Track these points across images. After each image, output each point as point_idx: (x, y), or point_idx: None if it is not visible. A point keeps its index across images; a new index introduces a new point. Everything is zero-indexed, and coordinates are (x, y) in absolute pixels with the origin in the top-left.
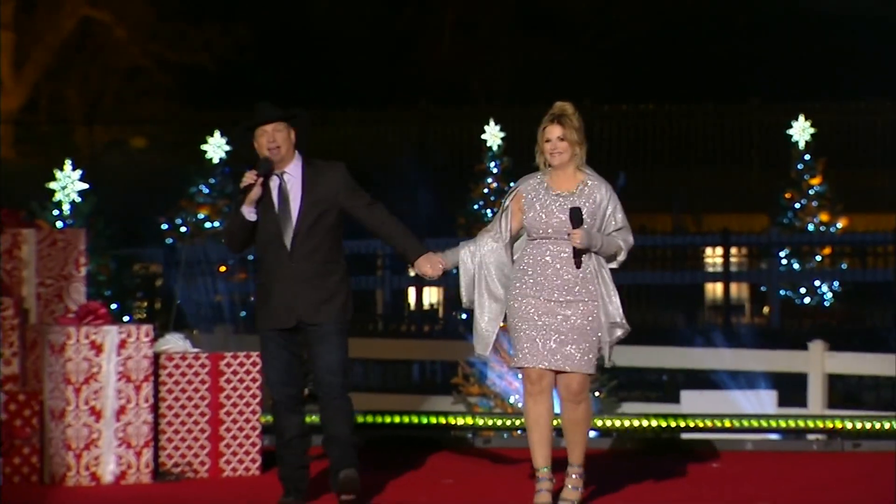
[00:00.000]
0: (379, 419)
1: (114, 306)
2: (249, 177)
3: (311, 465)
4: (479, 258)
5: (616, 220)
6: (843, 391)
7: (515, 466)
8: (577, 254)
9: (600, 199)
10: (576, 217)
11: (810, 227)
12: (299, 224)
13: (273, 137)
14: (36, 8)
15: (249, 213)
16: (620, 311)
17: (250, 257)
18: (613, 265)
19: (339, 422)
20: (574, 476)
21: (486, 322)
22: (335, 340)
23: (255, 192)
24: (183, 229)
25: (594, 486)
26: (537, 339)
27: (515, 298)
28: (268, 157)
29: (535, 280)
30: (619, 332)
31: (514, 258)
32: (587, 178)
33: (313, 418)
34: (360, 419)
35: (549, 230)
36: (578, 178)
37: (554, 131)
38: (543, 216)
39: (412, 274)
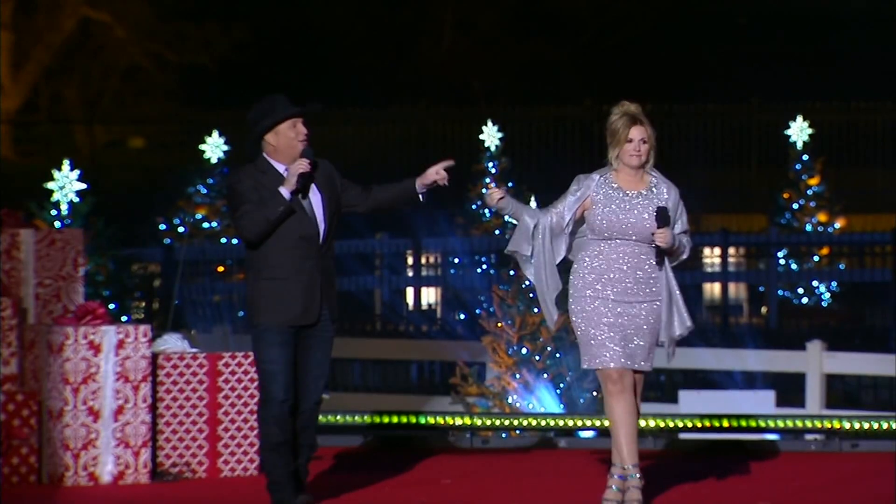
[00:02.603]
0: (377, 419)
1: (112, 306)
2: (304, 164)
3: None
4: (542, 228)
5: (682, 222)
6: (842, 391)
7: (514, 466)
8: (660, 253)
9: (672, 201)
10: (663, 217)
11: (808, 228)
12: (326, 222)
13: (304, 130)
14: (36, 8)
15: (293, 201)
16: (685, 310)
17: None
18: (673, 263)
19: (312, 431)
20: (635, 476)
21: (552, 299)
22: (331, 345)
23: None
24: (181, 229)
25: (592, 486)
26: (615, 340)
27: (583, 300)
28: (311, 149)
29: (606, 280)
30: (683, 332)
31: (575, 257)
32: (655, 179)
33: None
34: (358, 420)
35: (623, 230)
36: (646, 179)
37: (638, 132)
38: (617, 216)
39: (410, 273)
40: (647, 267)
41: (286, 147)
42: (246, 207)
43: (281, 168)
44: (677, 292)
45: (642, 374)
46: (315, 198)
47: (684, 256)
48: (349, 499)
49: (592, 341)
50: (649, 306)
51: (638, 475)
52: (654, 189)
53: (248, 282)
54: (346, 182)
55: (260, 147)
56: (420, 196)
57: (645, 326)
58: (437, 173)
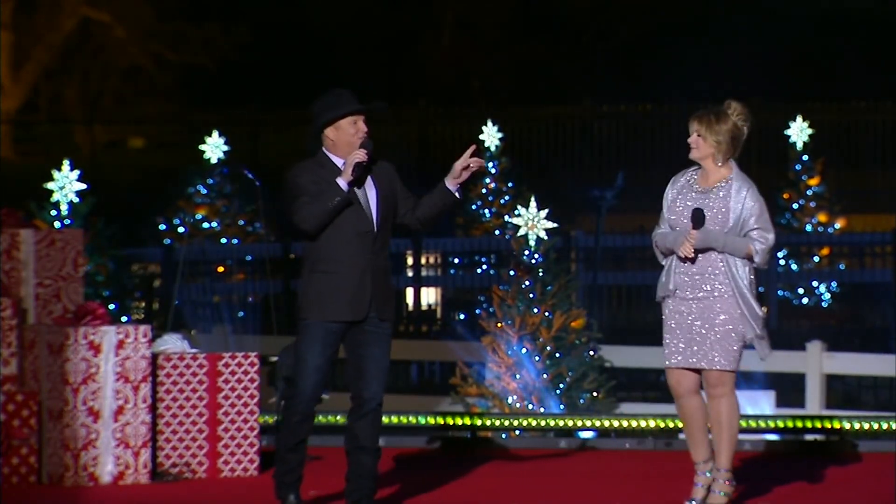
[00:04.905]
0: None
1: (112, 306)
2: (361, 154)
3: (308, 463)
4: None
5: (751, 221)
6: (842, 392)
7: (514, 466)
8: (695, 253)
9: (736, 200)
10: (697, 218)
11: (808, 228)
12: (378, 218)
13: (364, 128)
14: (36, 8)
15: (350, 192)
16: (757, 310)
17: (248, 258)
18: (755, 265)
19: (373, 433)
20: (719, 480)
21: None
22: (390, 344)
23: (360, 172)
24: (181, 229)
25: (591, 486)
26: (673, 339)
27: (664, 296)
28: (370, 141)
29: (672, 278)
30: (754, 334)
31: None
32: (732, 177)
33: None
34: None
35: (679, 225)
36: (721, 175)
37: (692, 126)
38: (675, 212)
39: (410, 274)
40: (702, 262)
41: (345, 143)
42: (303, 199)
43: (339, 162)
44: (745, 293)
45: (717, 373)
46: (370, 193)
47: (758, 258)
48: None
49: (663, 338)
50: (705, 303)
51: (708, 473)
52: (721, 186)
53: (302, 274)
54: (404, 191)
55: (320, 141)
56: (456, 194)
57: (699, 322)
58: (464, 165)
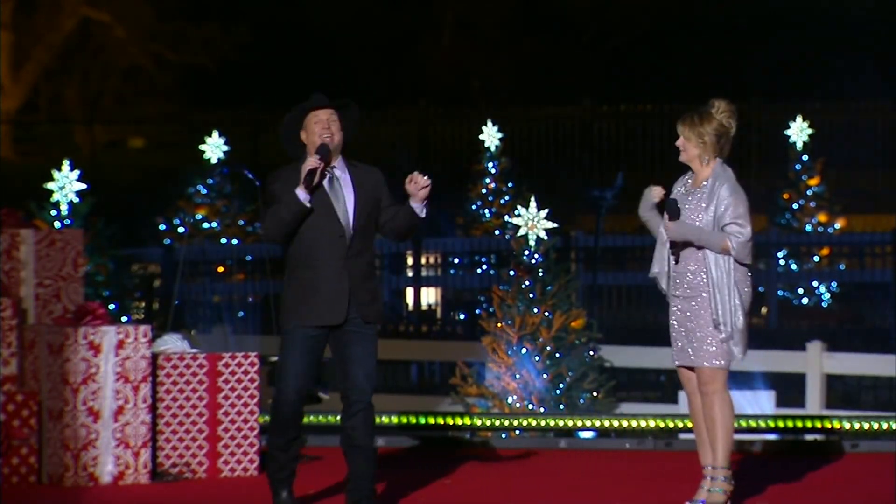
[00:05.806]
0: (377, 420)
1: (112, 306)
2: (313, 161)
3: (308, 463)
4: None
5: (727, 216)
6: (842, 391)
7: (513, 466)
8: (673, 246)
9: (711, 195)
10: (671, 209)
11: (808, 228)
12: (356, 221)
13: (328, 125)
14: (36, 8)
15: (307, 199)
16: (726, 309)
17: (248, 258)
18: (746, 262)
19: (366, 432)
20: (716, 478)
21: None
22: (375, 344)
23: (317, 178)
24: (181, 229)
25: (591, 486)
26: (674, 337)
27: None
28: (326, 144)
29: (670, 278)
30: (726, 334)
31: None
32: (714, 177)
33: (310, 418)
34: None
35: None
36: (707, 174)
37: (678, 129)
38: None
39: (410, 274)
40: (682, 262)
41: (311, 144)
42: (273, 208)
43: None
44: (721, 291)
45: (707, 370)
46: (349, 197)
47: (734, 253)
48: None
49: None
50: (687, 302)
51: (711, 476)
52: (705, 185)
53: (284, 279)
54: (389, 200)
55: (301, 147)
56: (421, 214)
57: (687, 320)
58: (415, 186)
